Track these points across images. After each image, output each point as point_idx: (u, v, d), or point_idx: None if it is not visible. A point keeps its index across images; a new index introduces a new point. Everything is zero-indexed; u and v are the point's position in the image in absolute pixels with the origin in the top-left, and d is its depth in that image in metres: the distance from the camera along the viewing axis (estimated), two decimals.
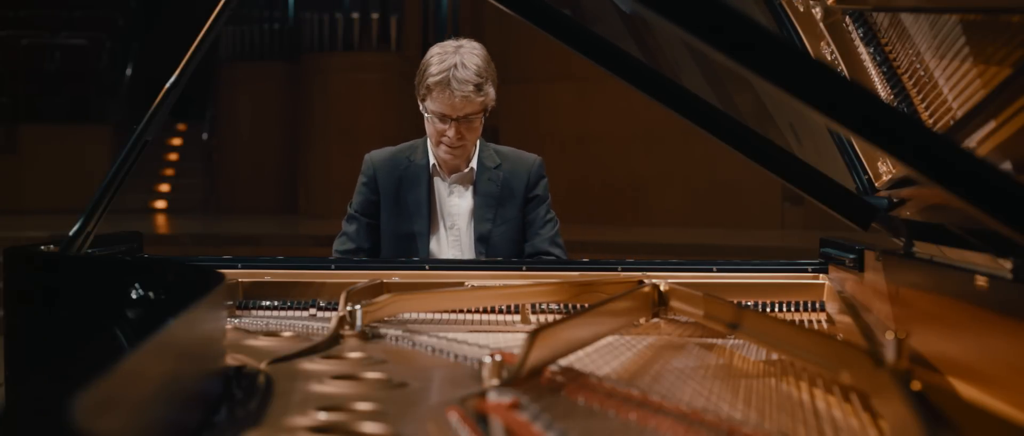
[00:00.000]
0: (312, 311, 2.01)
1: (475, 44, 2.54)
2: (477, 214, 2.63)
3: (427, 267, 2.23)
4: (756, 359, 1.51)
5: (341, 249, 2.70)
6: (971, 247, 1.38)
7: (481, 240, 2.62)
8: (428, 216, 2.63)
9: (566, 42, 1.76)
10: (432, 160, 2.65)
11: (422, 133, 2.67)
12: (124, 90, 11.83)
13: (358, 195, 2.71)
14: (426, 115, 2.55)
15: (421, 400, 1.22)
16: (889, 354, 1.14)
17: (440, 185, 2.66)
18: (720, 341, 1.63)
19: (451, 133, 2.52)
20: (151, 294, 1.68)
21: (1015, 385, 1.14)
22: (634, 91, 1.75)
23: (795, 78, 1.02)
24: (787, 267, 2.17)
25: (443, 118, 2.51)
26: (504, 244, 2.62)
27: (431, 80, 2.48)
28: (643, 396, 1.18)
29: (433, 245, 2.64)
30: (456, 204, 2.65)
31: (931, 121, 1.61)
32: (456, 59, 2.47)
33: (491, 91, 2.52)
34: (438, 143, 2.57)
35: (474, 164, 2.65)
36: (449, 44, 2.54)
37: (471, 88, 2.46)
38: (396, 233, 2.64)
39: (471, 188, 2.66)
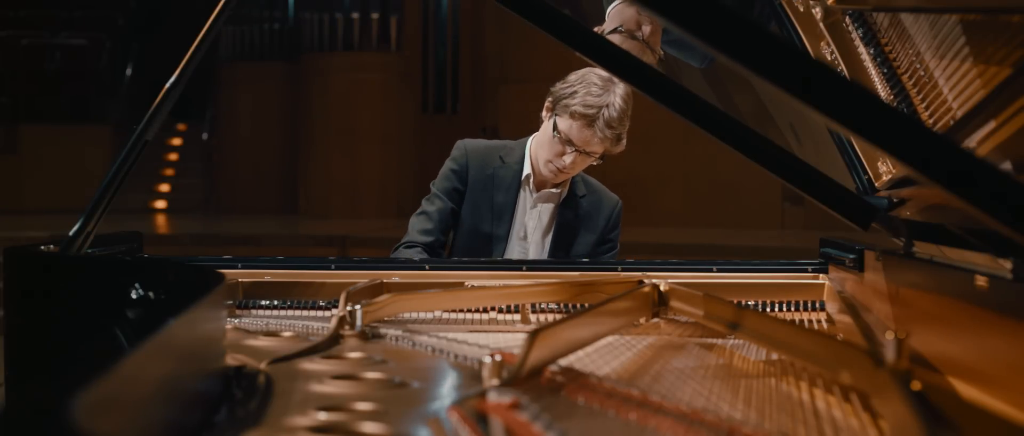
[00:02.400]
0: (312, 311, 2.01)
1: (624, 87, 2.47)
2: (555, 239, 2.62)
3: (427, 267, 2.23)
4: (756, 359, 1.51)
5: (420, 228, 2.60)
6: (971, 247, 1.38)
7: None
8: (511, 220, 2.61)
9: (566, 42, 1.76)
10: (527, 170, 2.61)
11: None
12: (124, 90, 11.83)
13: (445, 179, 2.65)
14: (553, 133, 2.49)
15: (421, 400, 1.22)
16: (889, 354, 1.14)
17: (525, 195, 2.63)
18: (720, 341, 1.63)
19: (568, 160, 2.48)
20: (151, 294, 1.68)
21: (1015, 385, 1.14)
22: (634, 91, 1.75)
23: (795, 78, 1.02)
24: (787, 267, 2.17)
25: (568, 143, 2.47)
26: None
27: (577, 108, 2.42)
28: (643, 396, 1.18)
29: (508, 252, 2.62)
30: (534, 218, 2.63)
31: (931, 121, 1.61)
32: (609, 99, 2.42)
33: (624, 142, 2.49)
34: (549, 160, 2.53)
35: (564, 188, 2.63)
36: (600, 75, 2.46)
37: (611, 134, 2.43)
38: (474, 231, 2.61)
39: (553, 209, 2.63)
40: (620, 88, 2.45)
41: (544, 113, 2.54)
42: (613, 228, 2.68)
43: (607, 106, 2.41)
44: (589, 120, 2.41)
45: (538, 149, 2.58)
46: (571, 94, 2.45)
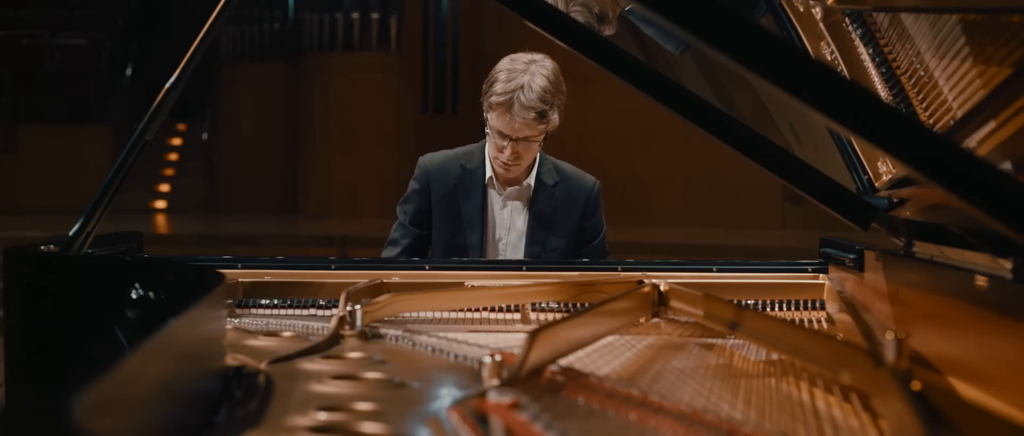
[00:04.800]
0: (313, 311, 2.01)
1: (547, 63, 2.45)
2: (529, 235, 2.57)
3: (427, 267, 2.23)
4: (756, 359, 1.51)
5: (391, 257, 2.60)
6: (971, 247, 1.38)
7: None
8: (481, 229, 2.57)
9: (566, 42, 1.76)
10: (489, 171, 2.57)
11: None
12: (124, 90, 11.82)
13: (409, 202, 2.63)
14: (486, 130, 2.49)
15: (421, 400, 1.22)
16: (889, 354, 1.14)
17: (494, 197, 2.59)
18: (720, 341, 1.63)
19: (507, 153, 2.46)
20: (151, 294, 1.68)
21: (1015, 385, 1.14)
22: (634, 91, 1.75)
23: (795, 78, 1.02)
24: (787, 267, 2.17)
25: (502, 136, 2.44)
26: None
27: (494, 99, 2.41)
28: (643, 396, 1.18)
29: (487, 257, 2.58)
30: (508, 218, 2.59)
31: (931, 121, 1.61)
32: (524, 80, 2.39)
33: (555, 117, 2.44)
34: (495, 158, 2.51)
35: (532, 180, 2.58)
36: (521, 59, 2.45)
37: (533, 115, 2.39)
38: (448, 245, 2.57)
39: (526, 205, 2.59)
40: (541, 67, 2.42)
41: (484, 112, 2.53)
42: (592, 212, 2.62)
43: (521, 88, 2.38)
44: (506, 106, 2.39)
45: (489, 149, 2.56)
46: (489, 87, 2.44)
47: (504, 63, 2.47)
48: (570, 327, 1.37)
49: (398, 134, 10.24)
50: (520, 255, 2.58)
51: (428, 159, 2.64)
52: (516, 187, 2.58)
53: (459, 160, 2.61)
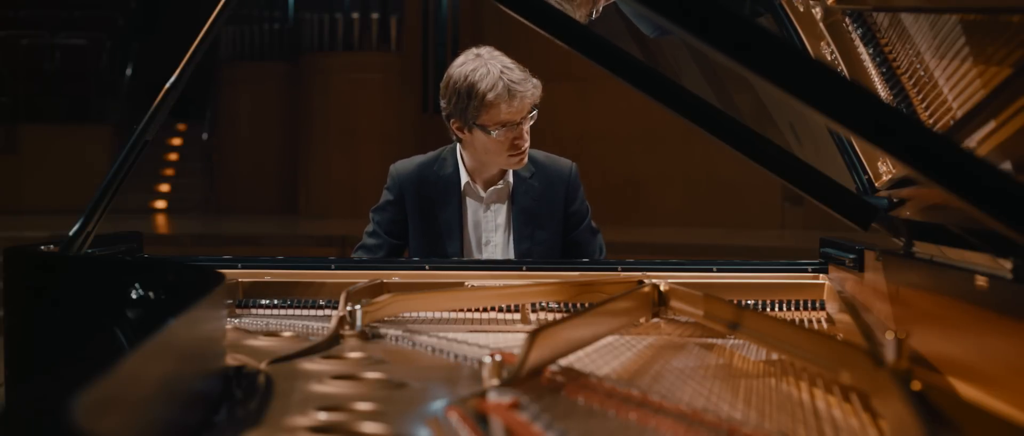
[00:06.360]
0: (313, 311, 2.01)
1: (487, 47, 2.47)
2: (516, 232, 2.54)
3: (427, 267, 2.23)
4: (756, 359, 1.50)
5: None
6: (971, 247, 1.38)
7: (522, 258, 2.50)
8: (460, 236, 2.53)
9: (566, 42, 1.76)
10: (464, 178, 2.54)
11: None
12: (124, 90, 11.83)
13: (383, 210, 2.59)
14: (491, 135, 2.42)
15: (421, 400, 1.22)
16: (889, 354, 1.14)
17: (473, 202, 2.56)
18: (720, 341, 1.63)
19: (525, 139, 2.44)
20: (151, 294, 1.68)
21: (1015, 385, 1.14)
22: (634, 91, 1.75)
23: (795, 78, 1.02)
24: (787, 267, 2.17)
25: (509, 127, 2.41)
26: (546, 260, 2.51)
27: (490, 96, 2.37)
28: (643, 396, 1.18)
29: None
30: (492, 221, 2.55)
31: (931, 121, 1.61)
32: (496, 65, 2.39)
33: (535, 79, 2.45)
34: (511, 155, 2.46)
35: (509, 177, 2.54)
36: (469, 59, 2.44)
37: (530, 85, 2.41)
38: (427, 254, 2.53)
39: (507, 203, 2.55)
40: (487, 51, 2.44)
41: (459, 135, 2.48)
42: (574, 195, 2.59)
43: (502, 73, 2.38)
44: (505, 94, 2.37)
45: (486, 157, 2.50)
46: (469, 98, 2.39)
47: (461, 71, 2.43)
48: (570, 327, 1.37)
49: (398, 134, 10.24)
50: (510, 254, 2.55)
51: (400, 167, 2.60)
52: (495, 187, 2.55)
53: (432, 166, 2.58)
